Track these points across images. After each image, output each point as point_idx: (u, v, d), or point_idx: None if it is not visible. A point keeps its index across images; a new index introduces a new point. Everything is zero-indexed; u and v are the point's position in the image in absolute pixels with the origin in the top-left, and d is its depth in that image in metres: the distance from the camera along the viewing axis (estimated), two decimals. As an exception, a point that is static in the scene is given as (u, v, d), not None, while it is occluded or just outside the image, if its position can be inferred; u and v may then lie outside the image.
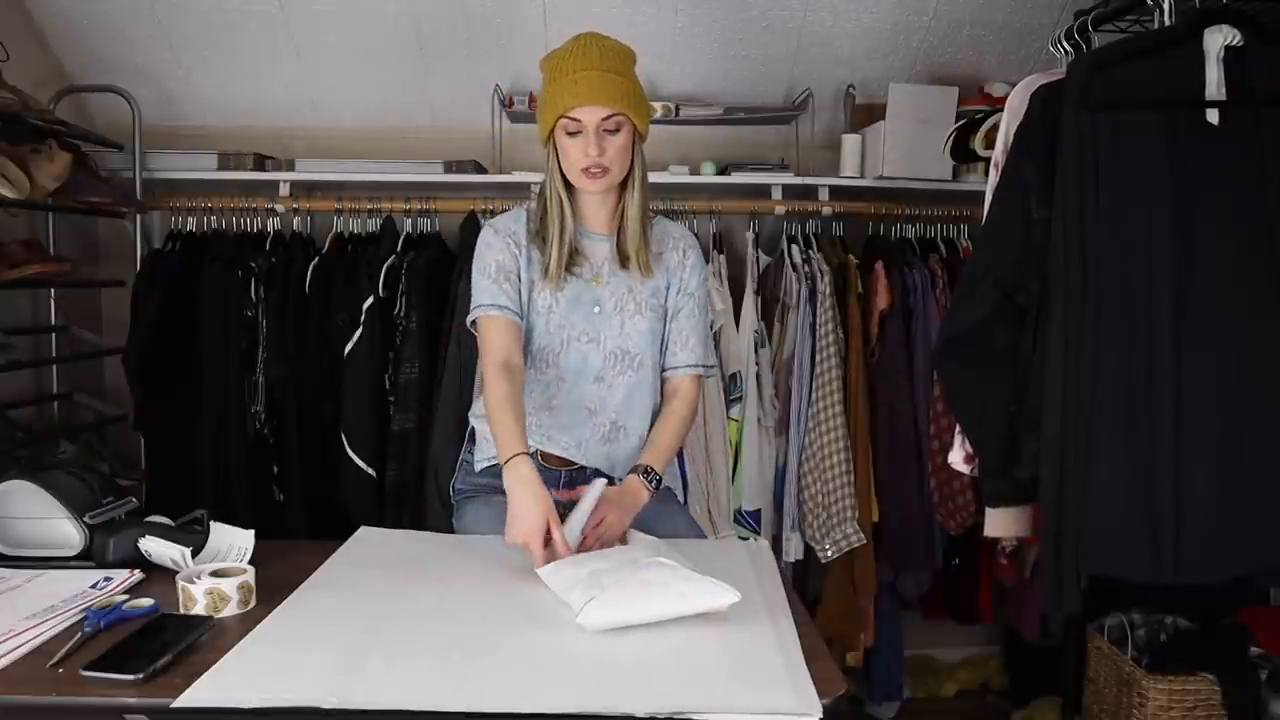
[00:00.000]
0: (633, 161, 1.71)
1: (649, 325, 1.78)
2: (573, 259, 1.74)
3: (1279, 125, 1.67)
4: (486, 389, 1.69)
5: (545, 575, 1.41)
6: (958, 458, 2.06)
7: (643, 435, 1.80)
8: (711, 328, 2.62)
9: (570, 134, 1.65)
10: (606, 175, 1.67)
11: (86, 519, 1.50)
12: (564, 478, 1.80)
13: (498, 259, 1.74)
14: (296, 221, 2.82)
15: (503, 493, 1.79)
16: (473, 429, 1.88)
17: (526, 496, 1.52)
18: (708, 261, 2.69)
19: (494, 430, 1.65)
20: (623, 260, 1.77)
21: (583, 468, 1.79)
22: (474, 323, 1.75)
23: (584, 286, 1.76)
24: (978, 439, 1.94)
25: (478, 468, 1.83)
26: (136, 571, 1.44)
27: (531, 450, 1.77)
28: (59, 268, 2.45)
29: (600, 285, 1.76)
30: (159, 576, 1.41)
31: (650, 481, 1.71)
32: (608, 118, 1.63)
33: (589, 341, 1.76)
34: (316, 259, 2.65)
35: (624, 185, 1.73)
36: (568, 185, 1.72)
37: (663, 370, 1.84)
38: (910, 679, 2.95)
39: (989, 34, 2.82)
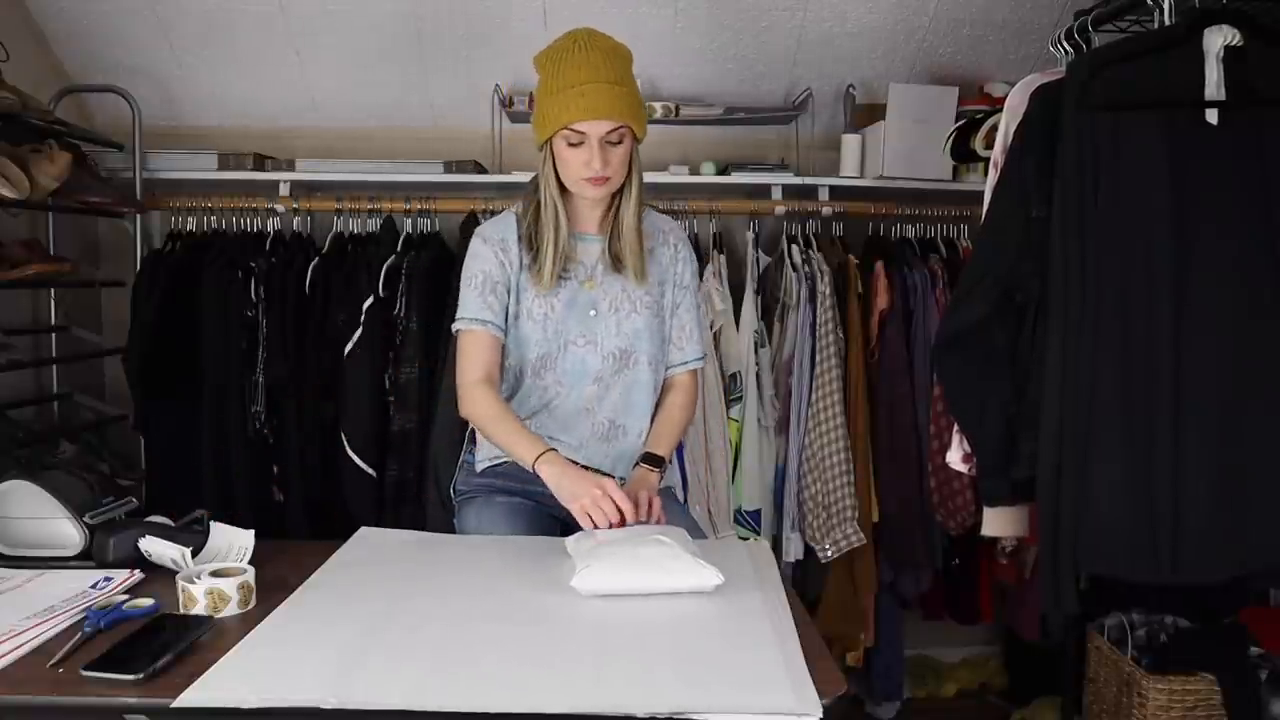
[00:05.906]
0: (630, 166, 1.71)
1: (645, 322, 1.78)
2: (565, 262, 1.73)
3: (1279, 125, 1.67)
4: (475, 403, 1.70)
5: (569, 544, 1.49)
6: (955, 457, 2.06)
7: (642, 432, 1.81)
8: (711, 328, 2.62)
9: (572, 145, 1.65)
10: (608, 183, 1.68)
11: (86, 519, 1.50)
12: None
13: (484, 269, 1.74)
14: (296, 221, 2.82)
15: (504, 493, 1.80)
16: (473, 430, 1.87)
17: (578, 473, 1.59)
18: (708, 261, 2.70)
19: (504, 440, 1.67)
20: (615, 263, 1.76)
21: (585, 467, 1.79)
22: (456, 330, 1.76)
23: (578, 289, 1.76)
24: (976, 438, 1.93)
25: (479, 468, 1.83)
26: (136, 571, 1.44)
27: None
28: (59, 268, 2.45)
29: (594, 288, 1.76)
30: (159, 576, 1.41)
31: (653, 465, 1.73)
32: (611, 130, 1.64)
33: (586, 344, 1.76)
34: (316, 259, 2.65)
35: (620, 189, 1.73)
36: (562, 188, 1.72)
37: (666, 369, 1.85)
38: (910, 679, 2.95)
39: (989, 34, 2.82)
